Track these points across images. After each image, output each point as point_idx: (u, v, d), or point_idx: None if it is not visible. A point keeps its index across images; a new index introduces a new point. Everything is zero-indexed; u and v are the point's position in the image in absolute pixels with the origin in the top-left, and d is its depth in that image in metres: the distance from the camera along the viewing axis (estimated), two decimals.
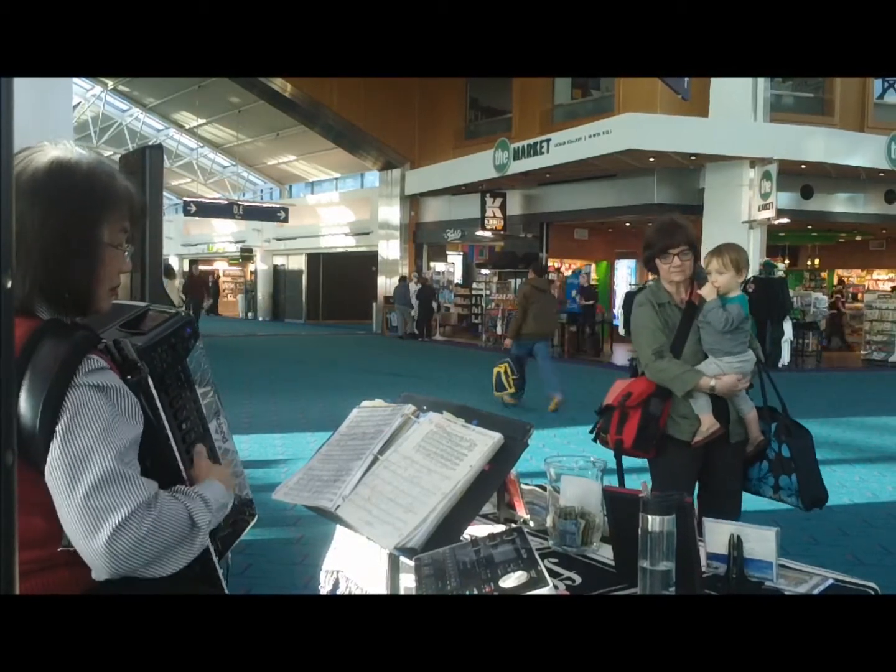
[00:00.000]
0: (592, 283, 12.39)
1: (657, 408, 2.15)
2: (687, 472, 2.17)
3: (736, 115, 10.64)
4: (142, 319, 1.06)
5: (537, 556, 0.97)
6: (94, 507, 0.84)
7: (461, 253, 17.72)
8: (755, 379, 2.25)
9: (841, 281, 15.87)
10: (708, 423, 2.13)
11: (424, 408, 1.32)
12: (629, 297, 12.64)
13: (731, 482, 2.23)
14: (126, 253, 1.00)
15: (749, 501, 2.31)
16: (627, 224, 14.47)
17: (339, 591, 1.56)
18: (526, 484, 1.68)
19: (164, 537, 0.86)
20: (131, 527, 0.84)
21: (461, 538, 1.08)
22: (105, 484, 0.85)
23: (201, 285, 16.29)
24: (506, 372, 6.71)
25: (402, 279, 15.75)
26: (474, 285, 16.25)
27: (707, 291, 2.17)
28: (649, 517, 1.05)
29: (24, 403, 0.84)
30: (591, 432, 2.31)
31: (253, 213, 19.12)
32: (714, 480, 2.21)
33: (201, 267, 22.88)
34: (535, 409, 6.63)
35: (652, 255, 2.21)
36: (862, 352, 12.01)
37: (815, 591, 1.22)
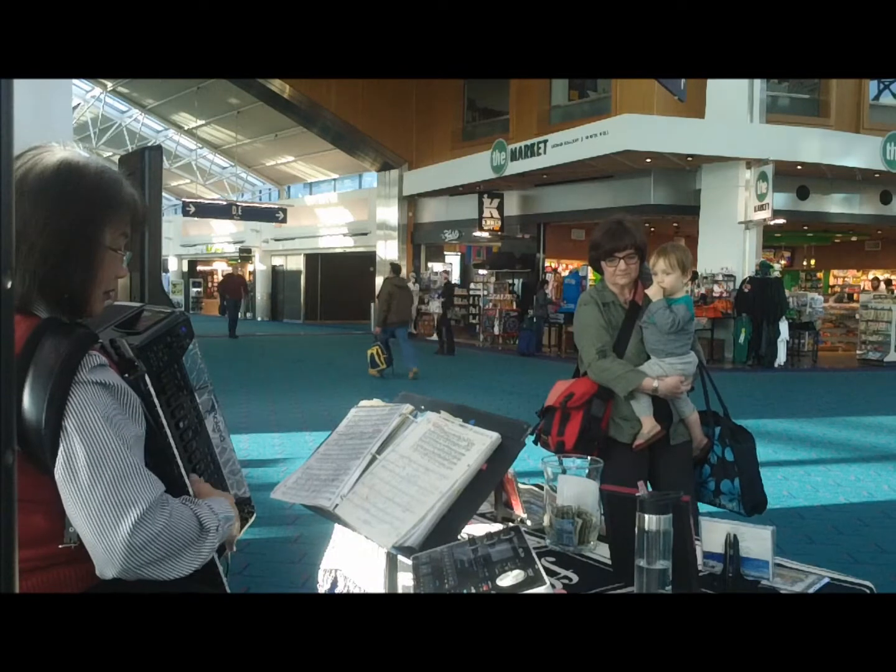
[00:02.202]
0: (449, 280, 12.83)
1: (599, 409, 2.11)
2: (631, 475, 2.06)
3: (732, 116, 10.67)
4: (137, 319, 1.07)
5: (534, 554, 0.98)
6: (115, 501, 0.85)
7: (459, 253, 17.73)
8: (697, 382, 2.21)
9: None
10: (649, 425, 2.10)
11: (422, 407, 1.32)
12: None
13: (681, 484, 2.14)
14: (124, 258, 1.00)
15: None
16: None
17: (338, 590, 1.56)
18: (523, 483, 1.68)
19: (175, 536, 0.87)
20: (148, 521, 0.85)
21: (459, 537, 1.09)
22: (123, 478, 0.86)
23: (239, 285, 16.15)
24: (377, 353, 8.70)
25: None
26: (472, 286, 16.28)
27: (654, 292, 2.15)
28: (646, 516, 1.06)
29: (28, 400, 0.85)
30: (532, 433, 2.23)
31: (251, 214, 19.11)
32: (664, 483, 2.16)
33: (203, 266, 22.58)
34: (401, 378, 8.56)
35: (597, 256, 2.19)
36: (857, 351, 12.06)
37: (811, 590, 1.23)
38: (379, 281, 17.08)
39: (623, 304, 2.20)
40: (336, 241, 20.03)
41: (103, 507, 0.84)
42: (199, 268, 28.36)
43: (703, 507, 2.21)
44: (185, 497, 0.95)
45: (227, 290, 15.96)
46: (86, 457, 0.85)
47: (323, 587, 1.61)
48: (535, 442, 2.25)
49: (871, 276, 16.37)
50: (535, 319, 12.31)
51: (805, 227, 14.28)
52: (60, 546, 0.90)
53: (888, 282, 14.36)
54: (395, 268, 9.52)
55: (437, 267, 17.30)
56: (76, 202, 0.93)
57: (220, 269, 27.80)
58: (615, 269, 2.15)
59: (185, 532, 0.89)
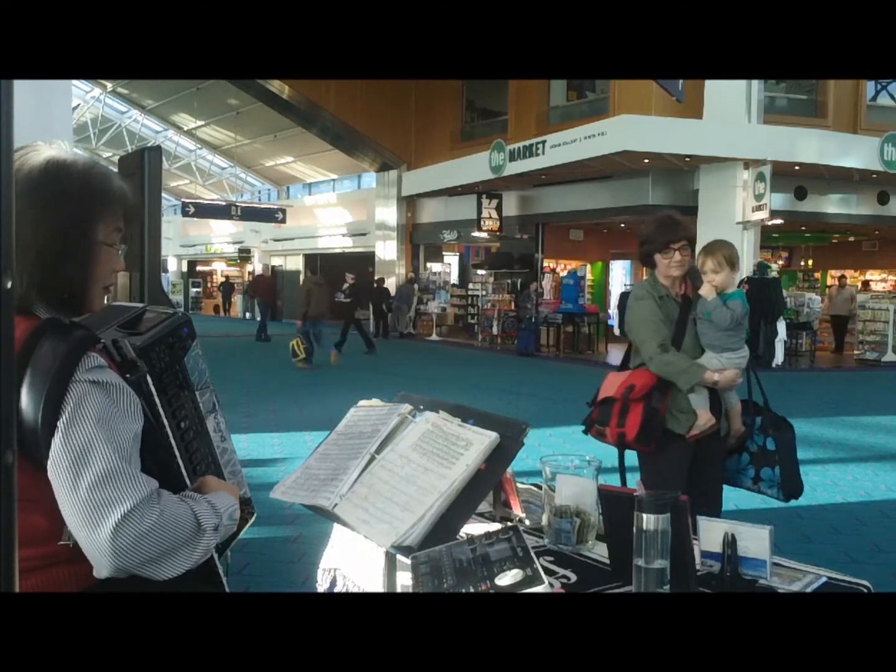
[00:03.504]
0: (352, 281, 13.06)
1: (659, 401, 2.16)
2: (683, 465, 2.20)
3: (730, 116, 10.68)
4: (139, 320, 1.07)
5: (533, 554, 0.98)
6: (98, 501, 0.84)
7: (457, 254, 17.73)
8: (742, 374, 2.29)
9: None
10: (705, 417, 2.16)
11: (421, 407, 1.32)
12: (624, 298, 12.63)
13: (718, 473, 2.28)
14: (120, 252, 1.00)
15: (742, 501, 2.33)
16: (622, 225, 14.49)
17: (337, 589, 1.56)
18: (522, 483, 1.69)
19: (167, 536, 0.87)
20: (134, 521, 0.84)
21: (457, 536, 1.09)
22: (107, 478, 0.85)
23: (269, 286, 14.82)
24: (297, 344, 9.84)
25: (411, 280, 15.85)
26: (470, 286, 16.28)
27: (707, 291, 2.19)
28: (644, 515, 1.06)
29: (26, 400, 0.85)
30: (584, 423, 2.31)
31: (251, 214, 19.09)
32: (704, 473, 2.24)
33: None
34: (323, 366, 9.91)
35: (651, 250, 2.22)
36: (855, 351, 12.08)
37: (809, 589, 1.23)
38: (391, 282, 17.18)
39: (676, 298, 2.25)
40: (335, 241, 20.02)
41: (87, 507, 0.84)
42: (199, 268, 28.37)
43: (757, 502, 2.29)
44: (185, 493, 0.95)
45: (257, 292, 14.52)
46: (72, 456, 0.85)
47: (322, 586, 1.61)
48: (586, 432, 2.31)
49: (839, 275, 16.28)
50: (533, 320, 12.30)
51: (803, 228, 14.30)
52: (60, 543, 0.90)
53: (865, 283, 14.40)
54: (314, 268, 10.98)
55: (436, 267, 17.28)
56: (67, 200, 0.93)
57: (220, 269, 27.81)
58: (670, 262, 2.20)
59: (178, 531, 0.88)
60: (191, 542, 0.89)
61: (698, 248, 2.29)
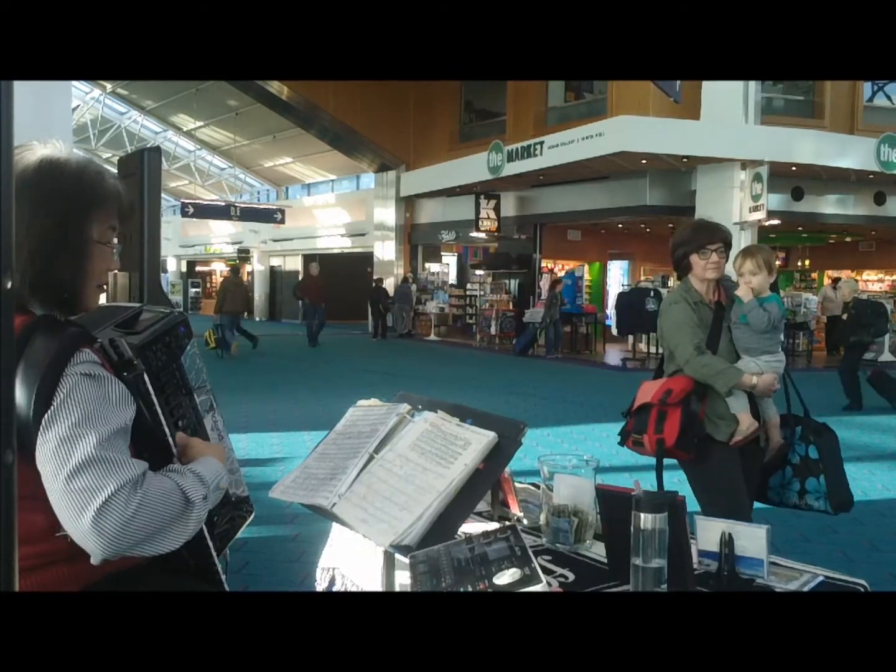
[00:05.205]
0: (242, 282, 13.20)
1: (697, 406, 2.10)
2: (733, 471, 2.11)
3: (727, 117, 10.70)
4: (135, 320, 1.07)
5: (531, 553, 0.98)
6: (78, 490, 0.84)
7: (456, 254, 17.74)
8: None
9: None
10: (747, 422, 2.10)
11: (419, 407, 1.33)
12: (622, 298, 12.51)
13: (752, 484, 2.19)
14: (114, 250, 1.01)
15: None
16: (620, 225, 14.51)
17: (335, 588, 1.57)
18: (520, 482, 1.69)
19: (156, 515, 0.86)
20: (117, 506, 0.84)
21: (456, 536, 1.09)
22: (88, 467, 0.85)
23: (319, 288, 13.23)
24: (210, 335, 11.09)
25: (405, 280, 15.88)
26: (468, 286, 16.29)
27: (743, 293, 2.16)
28: (641, 515, 1.06)
29: (18, 395, 0.86)
30: (620, 434, 2.24)
31: (250, 215, 19.09)
32: (748, 483, 2.16)
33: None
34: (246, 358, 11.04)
35: (687, 251, 2.19)
36: None
37: (806, 588, 1.23)
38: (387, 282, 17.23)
39: (710, 305, 2.21)
40: (334, 241, 20.02)
41: (70, 495, 0.84)
42: (198, 268, 28.35)
43: (763, 508, 2.18)
44: (169, 467, 0.94)
45: (307, 294, 13.13)
46: (57, 444, 0.86)
47: (321, 585, 1.61)
48: (622, 444, 2.23)
49: (864, 276, 16.45)
50: (553, 320, 12.03)
51: (800, 228, 14.32)
52: (57, 535, 0.90)
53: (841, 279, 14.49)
54: (234, 269, 12.10)
55: (434, 267, 17.26)
56: (60, 198, 0.93)
57: (219, 269, 27.80)
58: (707, 262, 2.17)
59: (166, 508, 0.88)
60: (181, 516, 0.89)
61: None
